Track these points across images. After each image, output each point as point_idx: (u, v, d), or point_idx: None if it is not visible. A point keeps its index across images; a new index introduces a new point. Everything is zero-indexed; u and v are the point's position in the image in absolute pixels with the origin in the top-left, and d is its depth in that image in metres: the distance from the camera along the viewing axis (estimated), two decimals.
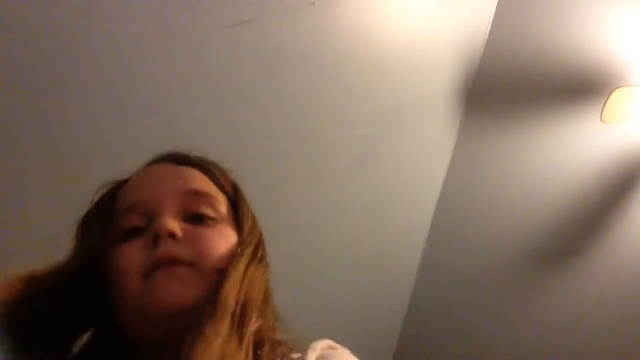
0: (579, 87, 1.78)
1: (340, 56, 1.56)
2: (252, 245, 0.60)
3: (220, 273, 0.53)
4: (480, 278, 2.44)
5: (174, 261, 0.52)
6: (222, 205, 0.60)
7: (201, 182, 0.61)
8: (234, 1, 1.37)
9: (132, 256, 0.53)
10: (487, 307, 2.54)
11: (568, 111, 1.85)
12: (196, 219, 0.57)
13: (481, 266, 2.40)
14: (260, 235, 0.64)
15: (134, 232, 0.56)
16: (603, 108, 1.69)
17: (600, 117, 1.71)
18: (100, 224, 0.59)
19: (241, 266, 0.55)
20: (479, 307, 2.55)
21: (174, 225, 0.54)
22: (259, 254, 0.60)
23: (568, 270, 2.28)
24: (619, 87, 1.65)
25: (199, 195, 0.59)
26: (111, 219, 0.58)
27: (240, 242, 0.58)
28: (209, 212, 0.58)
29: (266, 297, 0.59)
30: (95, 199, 0.64)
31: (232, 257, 0.55)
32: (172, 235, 0.53)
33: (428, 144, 2.01)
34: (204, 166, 0.64)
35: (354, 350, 0.62)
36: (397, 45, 1.63)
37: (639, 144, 1.87)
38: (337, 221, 2.00)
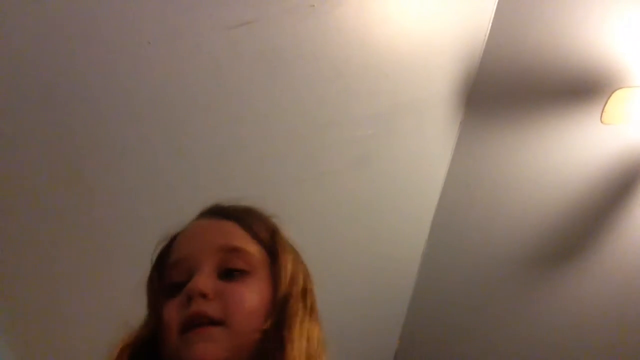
0: (579, 88, 1.78)
1: (340, 57, 1.57)
2: (300, 298, 0.63)
3: (256, 330, 0.57)
4: (481, 278, 2.44)
5: (203, 320, 0.56)
6: (256, 257, 0.64)
7: (236, 236, 0.65)
8: (234, 3, 1.37)
9: (172, 313, 0.58)
10: (488, 307, 2.54)
11: (568, 112, 1.85)
12: (230, 274, 0.61)
13: (481, 266, 2.40)
14: (305, 280, 0.67)
15: (178, 288, 0.60)
16: (603, 109, 1.68)
17: (601, 119, 1.71)
18: (157, 282, 0.66)
19: (298, 326, 0.59)
20: (479, 307, 2.55)
21: (204, 285, 0.58)
22: (309, 304, 0.64)
23: (569, 271, 2.28)
24: (619, 89, 1.64)
25: (232, 251, 0.63)
26: (165, 271, 0.65)
27: (280, 294, 0.61)
28: (242, 266, 0.62)
29: (321, 349, 0.63)
30: (153, 257, 0.70)
31: (267, 311, 0.59)
32: (203, 295, 0.57)
33: (428, 145, 2.01)
34: (241, 218, 0.68)
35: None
36: (397, 47, 1.64)
37: (639, 146, 1.87)
38: (337, 221, 2.00)
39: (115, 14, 1.26)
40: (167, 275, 0.64)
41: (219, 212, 0.70)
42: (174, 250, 0.66)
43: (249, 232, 0.66)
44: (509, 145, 2.03)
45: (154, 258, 0.69)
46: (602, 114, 1.69)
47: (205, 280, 0.59)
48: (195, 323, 0.56)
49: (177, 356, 0.56)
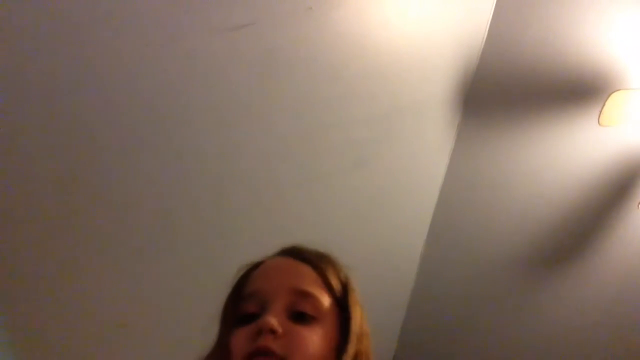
0: (576, 90, 1.79)
1: (338, 60, 1.57)
2: (364, 356, 0.68)
3: None
4: (479, 278, 2.45)
5: (267, 353, 0.60)
6: (326, 307, 0.68)
7: (310, 281, 0.69)
8: (233, 5, 1.38)
9: (241, 341, 0.63)
10: (486, 308, 2.54)
11: (566, 114, 1.86)
12: (299, 317, 0.65)
13: (480, 268, 2.41)
14: (368, 338, 0.71)
15: (249, 318, 0.65)
16: (601, 111, 1.69)
17: (598, 120, 1.71)
18: (232, 307, 0.70)
19: None
20: (478, 308, 2.56)
21: (275, 322, 0.62)
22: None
23: (567, 271, 2.28)
24: (617, 91, 1.65)
25: (305, 295, 0.67)
26: (240, 301, 0.69)
27: (350, 350, 0.65)
28: (310, 311, 0.66)
29: None
30: (233, 283, 0.74)
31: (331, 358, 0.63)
32: (273, 331, 0.61)
33: (426, 147, 2.01)
34: (316, 264, 0.72)
35: None
36: (394, 49, 1.64)
37: (636, 147, 1.87)
38: (337, 223, 2.00)
39: (114, 16, 1.27)
40: (242, 304, 0.68)
41: (297, 254, 0.74)
42: (251, 282, 0.70)
43: (323, 279, 0.70)
44: (507, 147, 2.03)
45: (233, 282, 0.73)
46: (599, 116, 1.70)
47: (276, 317, 0.62)
48: (260, 355, 0.60)
49: None
